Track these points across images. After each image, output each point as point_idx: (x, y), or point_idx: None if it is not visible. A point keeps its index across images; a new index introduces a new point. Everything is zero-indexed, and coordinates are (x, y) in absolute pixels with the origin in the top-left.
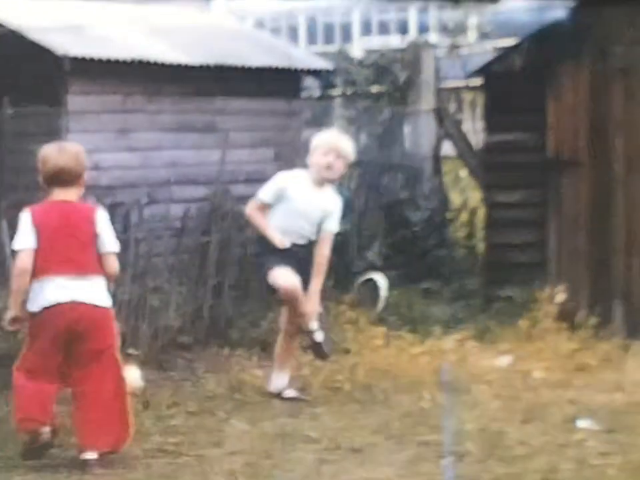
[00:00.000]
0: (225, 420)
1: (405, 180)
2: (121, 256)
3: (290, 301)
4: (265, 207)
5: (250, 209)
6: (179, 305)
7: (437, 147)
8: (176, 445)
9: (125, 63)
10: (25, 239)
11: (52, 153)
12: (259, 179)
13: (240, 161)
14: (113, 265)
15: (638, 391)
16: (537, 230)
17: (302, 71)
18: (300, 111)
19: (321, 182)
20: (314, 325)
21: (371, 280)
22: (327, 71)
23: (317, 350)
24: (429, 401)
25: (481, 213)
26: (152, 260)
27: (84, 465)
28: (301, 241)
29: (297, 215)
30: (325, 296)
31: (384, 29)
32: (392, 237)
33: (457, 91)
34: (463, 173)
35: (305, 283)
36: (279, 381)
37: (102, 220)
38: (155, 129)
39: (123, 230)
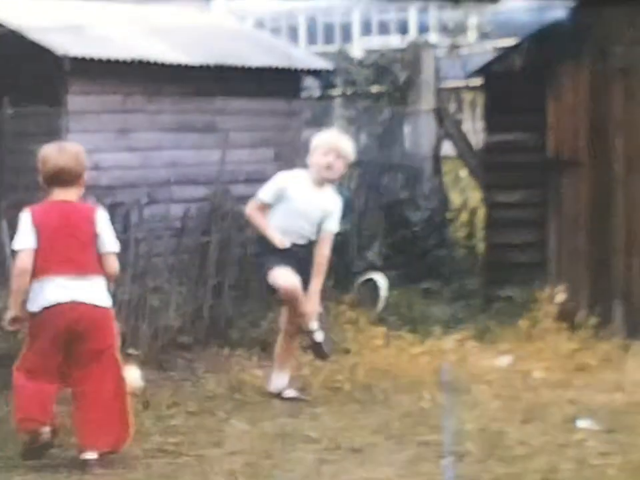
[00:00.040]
0: (224, 420)
1: (404, 180)
2: (121, 256)
3: (290, 301)
4: (265, 207)
5: (250, 209)
6: (179, 305)
7: (437, 147)
8: (176, 445)
9: (125, 62)
10: (25, 239)
11: (52, 153)
12: (259, 179)
13: (240, 161)
14: (114, 264)
15: (638, 391)
16: (537, 230)
17: (302, 71)
18: (300, 111)
19: (321, 182)
20: (314, 325)
21: (371, 280)
22: (327, 71)
23: (317, 350)
24: (428, 400)
25: (481, 213)
26: (152, 260)
27: (84, 465)
28: (301, 241)
29: (297, 215)
30: (324, 296)
31: (384, 29)
32: (392, 237)
33: (457, 91)
34: (463, 173)
35: (305, 282)
36: (279, 381)
37: (102, 220)
38: (155, 129)
39: (123, 230)
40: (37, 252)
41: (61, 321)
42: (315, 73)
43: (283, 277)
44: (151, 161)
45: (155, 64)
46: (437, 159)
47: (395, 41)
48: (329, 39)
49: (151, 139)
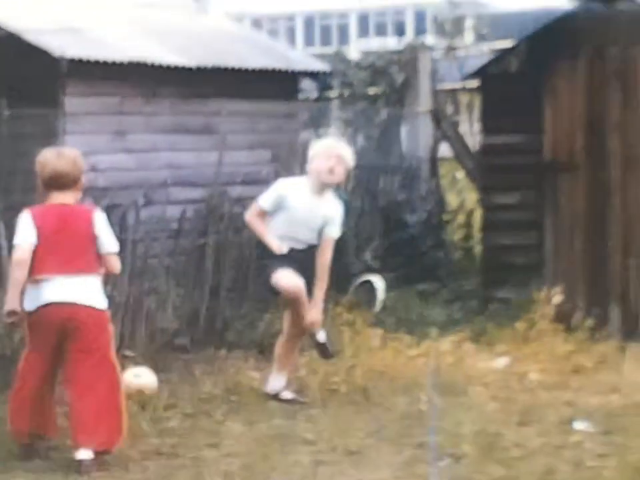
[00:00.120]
0: (221, 422)
1: (401, 182)
2: (118, 257)
3: (293, 302)
4: (265, 213)
5: (249, 215)
6: (176, 307)
7: (434, 149)
8: (172, 446)
9: (122, 64)
10: (25, 234)
11: (50, 158)
12: (256, 181)
13: (237, 162)
14: (115, 264)
15: (634, 392)
16: (533, 232)
17: (299, 72)
18: (297, 112)
19: (321, 188)
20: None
21: (368, 282)
22: (324, 73)
23: (322, 350)
24: (425, 402)
25: (478, 215)
26: (149, 261)
27: (80, 467)
28: (301, 246)
29: (297, 223)
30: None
31: (381, 30)
32: (389, 239)
33: (453, 92)
34: (460, 174)
35: (307, 286)
36: (277, 382)
37: (100, 221)
38: (152, 130)
39: (120, 231)
40: (35, 252)
41: (56, 320)
42: (312, 74)
43: (286, 278)
44: (148, 162)
45: (152, 66)
46: (433, 160)
47: (392, 42)
48: (326, 41)
49: (148, 141)
